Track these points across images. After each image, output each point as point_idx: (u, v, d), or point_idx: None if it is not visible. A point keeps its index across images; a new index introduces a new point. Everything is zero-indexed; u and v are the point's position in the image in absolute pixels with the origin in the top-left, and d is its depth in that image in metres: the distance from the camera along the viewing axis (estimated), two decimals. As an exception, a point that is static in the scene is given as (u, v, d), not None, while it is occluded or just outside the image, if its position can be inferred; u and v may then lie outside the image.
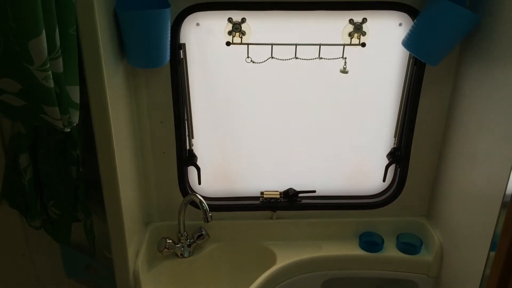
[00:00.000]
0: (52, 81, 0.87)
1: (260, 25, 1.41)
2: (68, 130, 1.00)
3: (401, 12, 1.39)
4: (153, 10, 1.23)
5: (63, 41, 0.86)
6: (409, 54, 1.45)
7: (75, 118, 1.00)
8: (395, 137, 1.61)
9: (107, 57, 1.14)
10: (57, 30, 0.82)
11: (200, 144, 1.62)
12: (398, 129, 1.59)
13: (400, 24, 1.42)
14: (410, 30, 1.34)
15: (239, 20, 1.40)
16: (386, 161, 1.64)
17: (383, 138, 1.63)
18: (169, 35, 1.30)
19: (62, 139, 1.26)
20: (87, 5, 1.03)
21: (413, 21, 1.36)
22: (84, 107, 1.13)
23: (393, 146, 1.63)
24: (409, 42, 1.35)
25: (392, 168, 1.66)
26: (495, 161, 1.21)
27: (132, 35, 1.26)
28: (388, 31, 1.44)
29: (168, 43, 1.32)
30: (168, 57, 1.34)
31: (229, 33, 1.42)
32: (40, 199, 1.39)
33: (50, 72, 0.84)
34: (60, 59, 0.87)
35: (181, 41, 1.43)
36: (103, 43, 1.10)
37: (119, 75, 1.28)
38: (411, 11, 1.36)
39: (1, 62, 0.83)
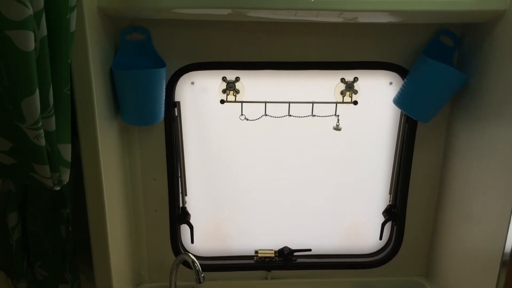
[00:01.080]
0: (43, 140, 0.86)
1: (254, 83, 1.44)
2: (58, 188, 0.98)
3: (391, 72, 1.43)
4: (149, 69, 1.25)
5: (57, 99, 0.87)
6: (401, 111, 1.47)
7: (66, 176, 0.99)
8: (390, 194, 1.60)
9: (101, 115, 1.14)
10: (51, 89, 0.83)
11: (193, 202, 1.59)
12: (393, 186, 1.58)
13: (391, 83, 1.46)
14: (401, 89, 1.37)
15: (233, 79, 1.43)
16: (382, 219, 1.62)
17: (378, 195, 1.61)
18: (164, 93, 1.32)
19: (52, 197, 1.24)
20: (83, 65, 1.06)
21: (403, 80, 1.39)
22: (75, 163, 1.12)
23: (388, 203, 1.61)
24: (400, 101, 1.37)
25: (388, 226, 1.64)
26: (492, 218, 1.19)
27: (128, 94, 1.27)
28: (379, 90, 1.47)
29: (163, 101, 1.33)
30: (162, 115, 1.35)
31: (223, 91, 1.45)
32: (27, 260, 1.34)
33: (42, 131, 0.84)
34: (53, 118, 0.87)
35: (176, 99, 1.45)
36: (97, 102, 1.11)
37: (112, 132, 1.28)
38: (401, 71, 1.40)
39: (-7, 121, 0.83)
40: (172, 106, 1.44)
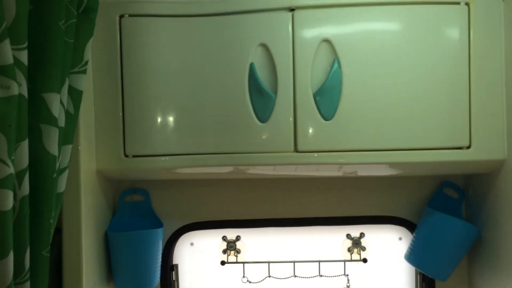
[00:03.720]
0: (14, 310, 0.78)
1: (256, 241, 1.38)
2: None
3: (398, 226, 1.36)
4: (145, 230, 1.22)
5: (34, 262, 0.81)
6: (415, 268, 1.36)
7: None
8: None
9: (89, 282, 1.07)
10: (27, 251, 0.78)
11: None
12: None
13: (400, 238, 1.37)
14: (411, 245, 1.28)
15: (234, 238, 1.38)
16: None
17: None
18: (160, 256, 1.26)
19: None
20: (74, 230, 1.04)
21: (411, 234, 1.32)
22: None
23: None
24: (412, 257, 1.27)
25: None
26: None
27: (122, 256, 1.21)
28: (389, 246, 1.38)
29: (159, 265, 1.26)
30: (158, 279, 1.27)
31: (224, 251, 1.38)
32: None
33: (13, 299, 0.77)
34: (28, 283, 0.80)
35: (174, 262, 1.38)
36: (86, 267, 1.05)
37: (102, 301, 1.19)
38: (408, 225, 1.33)
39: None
40: (169, 269, 1.36)
